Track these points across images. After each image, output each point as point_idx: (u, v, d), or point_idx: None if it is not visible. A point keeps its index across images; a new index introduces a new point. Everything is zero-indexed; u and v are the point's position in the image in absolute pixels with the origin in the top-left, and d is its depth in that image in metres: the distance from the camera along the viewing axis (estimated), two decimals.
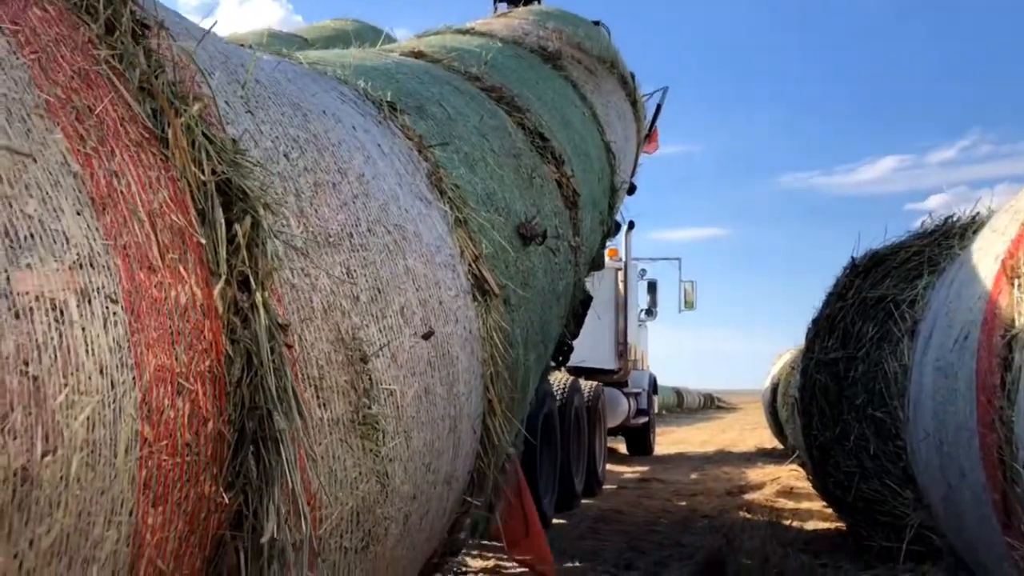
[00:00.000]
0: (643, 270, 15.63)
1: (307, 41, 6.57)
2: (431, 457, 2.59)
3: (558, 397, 8.20)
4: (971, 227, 4.43)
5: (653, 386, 16.14)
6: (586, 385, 9.86)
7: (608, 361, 12.13)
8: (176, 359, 1.57)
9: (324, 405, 2.03)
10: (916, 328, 4.48)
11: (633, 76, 7.47)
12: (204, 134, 1.83)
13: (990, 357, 3.05)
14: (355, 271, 2.34)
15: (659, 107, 10.11)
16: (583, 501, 9.04)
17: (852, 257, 6.73)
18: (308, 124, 2.51)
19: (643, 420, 14.44)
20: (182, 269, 1.65)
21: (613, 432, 12.76)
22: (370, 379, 2.23)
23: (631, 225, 10.63)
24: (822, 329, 6.62)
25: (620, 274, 12.57)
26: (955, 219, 6.13)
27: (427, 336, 2.59)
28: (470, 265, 3.26)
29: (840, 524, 6.59)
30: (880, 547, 5.87)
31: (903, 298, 4.53)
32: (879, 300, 6.39)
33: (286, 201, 2.17)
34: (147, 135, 1.73)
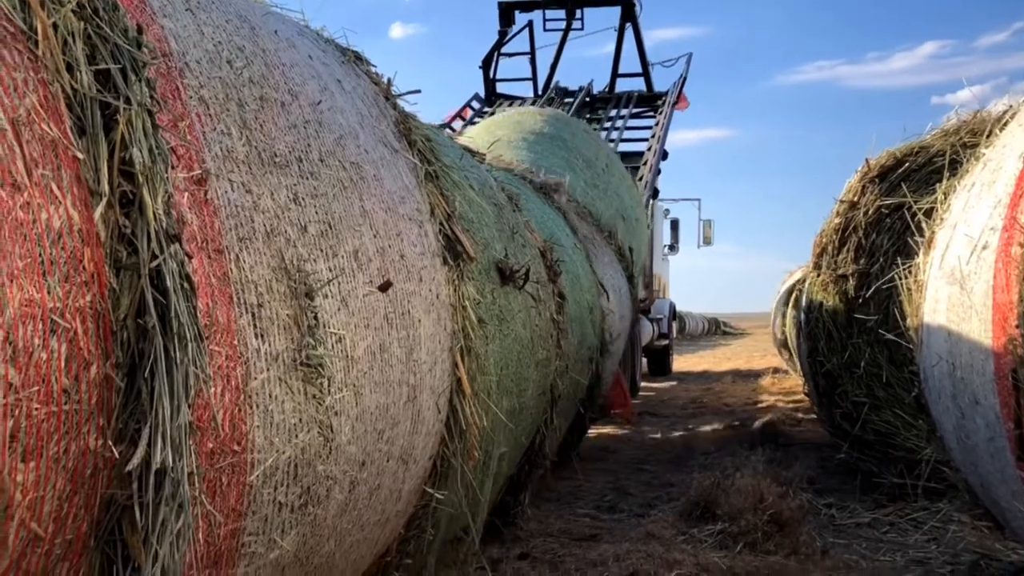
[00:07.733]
0: (667, 210, 18.84)
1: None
2: (384, 424, 2.54)
3: None
4: (1000, 122, 4.36)
5: (672, 313, 18.92)
6: None
7: (638, 291, 13.90)
8: (49, 293, 1.52)
9: (261, 336, 1.99)
10: (934, 239, 4.45)
11: (631, 249, 8.57)
12: (94, 25, 1.73)
13: (1008, 269, 3.04)
14: (303, 199, 2.27)
15: (684, 77, 13.72)
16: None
17: (866, 159, 6.67)
18: (256, 38, 2.42)
19: (664, 343, 17.59)
20: (55, 188, 1.58)
21: None
22: (316, 318, 2.18)
23: (657, 172, 12.83)
24: (830, 242, 6.57)
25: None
26: (984, 113, 6.05)
27: (384, 288, 2.51)
28: (442, 224, 3.17)
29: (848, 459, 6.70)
30: (891, 484, 5.98)
31: (921, 205, 4.49)
32: (896, 208, 6.35)
33: (228, 108, 2.09)
34: (12, 29, 1.63)
